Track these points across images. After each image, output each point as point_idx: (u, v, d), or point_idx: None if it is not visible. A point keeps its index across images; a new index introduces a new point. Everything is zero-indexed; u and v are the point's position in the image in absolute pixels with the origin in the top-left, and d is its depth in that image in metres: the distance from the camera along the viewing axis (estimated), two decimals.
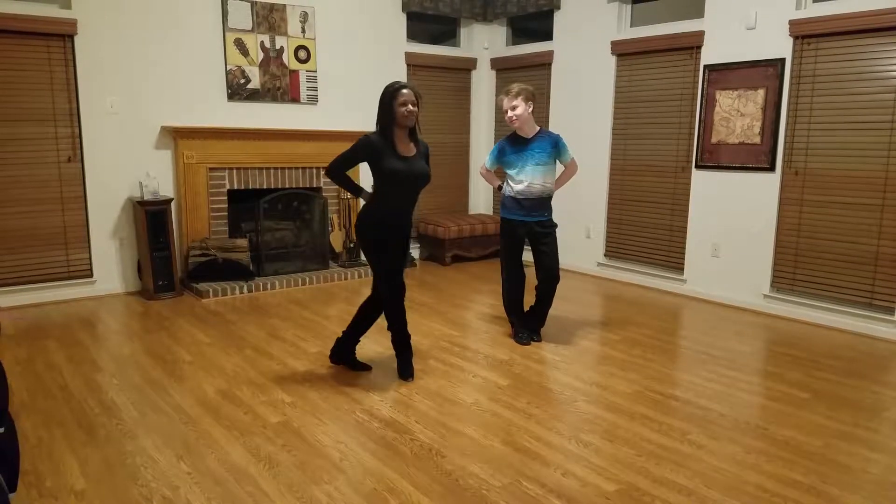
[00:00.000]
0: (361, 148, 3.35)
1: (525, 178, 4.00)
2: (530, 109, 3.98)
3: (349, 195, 6.26)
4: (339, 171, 3.44)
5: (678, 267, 5.66)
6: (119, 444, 2.80)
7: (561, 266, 4.16)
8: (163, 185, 5.42)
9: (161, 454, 2.72)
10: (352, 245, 6.31)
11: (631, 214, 6.02)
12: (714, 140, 5.26)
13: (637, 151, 5.91)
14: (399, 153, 3.36)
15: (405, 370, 3.60)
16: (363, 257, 6.47)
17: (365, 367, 3.72)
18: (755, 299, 5.11)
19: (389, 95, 3.31)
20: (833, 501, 2.43)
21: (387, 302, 3.51)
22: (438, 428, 2.99)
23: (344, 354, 3.75)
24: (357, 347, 3.80)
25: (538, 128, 4.07)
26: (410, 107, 3.31)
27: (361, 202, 3.93)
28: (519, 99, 3.94)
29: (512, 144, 4.07)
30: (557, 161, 4.11)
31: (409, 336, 3.62)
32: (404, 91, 3.31)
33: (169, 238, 5.24)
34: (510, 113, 3.96)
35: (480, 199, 7.59)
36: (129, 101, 5.25)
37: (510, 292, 4.26)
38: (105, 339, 4.27)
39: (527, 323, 4.28)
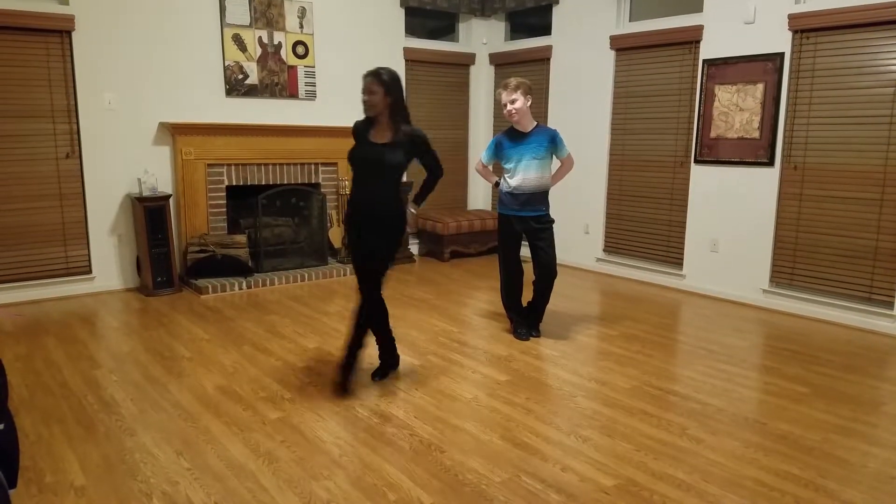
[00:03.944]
0: (352, 133, 3.37)
1: (521, 172, 3.99)
2: (529, 103, 3.98)
3: (347, 191, 6.27)
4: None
5: (677, 262, 5.66)
6: (118, 441, 2.80)
7: (559, 262, 4.16)
8: (161, 181, 5.41)
9: (160, 450, 2.72)
10: None
11: (630, 209, 6.01)
12: (713, 135, 5.26)
13: (636, 146, 5.90)
14: (370, 140, 3.26)
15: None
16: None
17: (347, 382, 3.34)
18: (754, 294, 5.11)
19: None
20: (831, 496, 2.44)
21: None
22: (437, 424, 2.99)
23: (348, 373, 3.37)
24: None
25: (535, 122, 4.07)
26: (365, 96, 3.20)
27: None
28: (518, 93, 3.93)
29: (510, 138, 4.06)
30: (554, 156, 4.11)
31: (360, 345, 3.35)
32: (364, 80, 3.21)
33: (167, 234, 5.23)
34: (509, 106, 3.95)
35: (479, 195, 7.59)
36: (127, 97, 5.23)
37: (508, 288, 4.25)
38: (104, 335, 4.27)
39: (525, 319, 4.28)
